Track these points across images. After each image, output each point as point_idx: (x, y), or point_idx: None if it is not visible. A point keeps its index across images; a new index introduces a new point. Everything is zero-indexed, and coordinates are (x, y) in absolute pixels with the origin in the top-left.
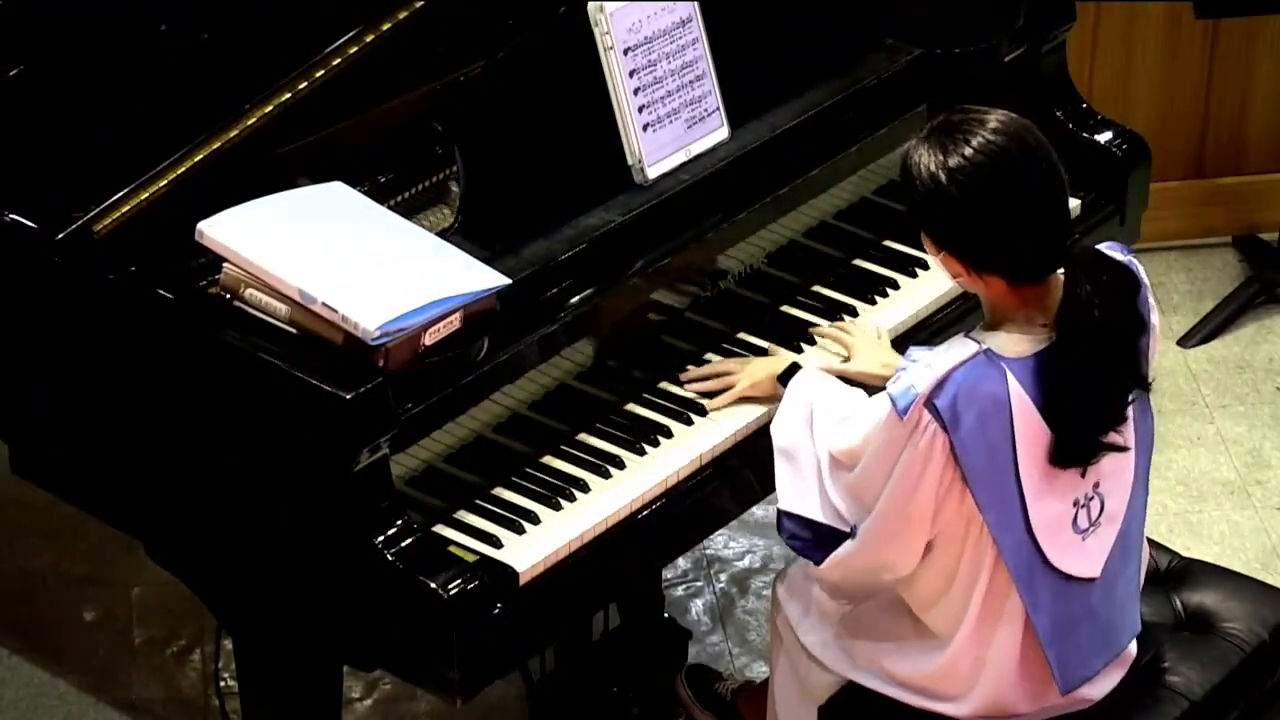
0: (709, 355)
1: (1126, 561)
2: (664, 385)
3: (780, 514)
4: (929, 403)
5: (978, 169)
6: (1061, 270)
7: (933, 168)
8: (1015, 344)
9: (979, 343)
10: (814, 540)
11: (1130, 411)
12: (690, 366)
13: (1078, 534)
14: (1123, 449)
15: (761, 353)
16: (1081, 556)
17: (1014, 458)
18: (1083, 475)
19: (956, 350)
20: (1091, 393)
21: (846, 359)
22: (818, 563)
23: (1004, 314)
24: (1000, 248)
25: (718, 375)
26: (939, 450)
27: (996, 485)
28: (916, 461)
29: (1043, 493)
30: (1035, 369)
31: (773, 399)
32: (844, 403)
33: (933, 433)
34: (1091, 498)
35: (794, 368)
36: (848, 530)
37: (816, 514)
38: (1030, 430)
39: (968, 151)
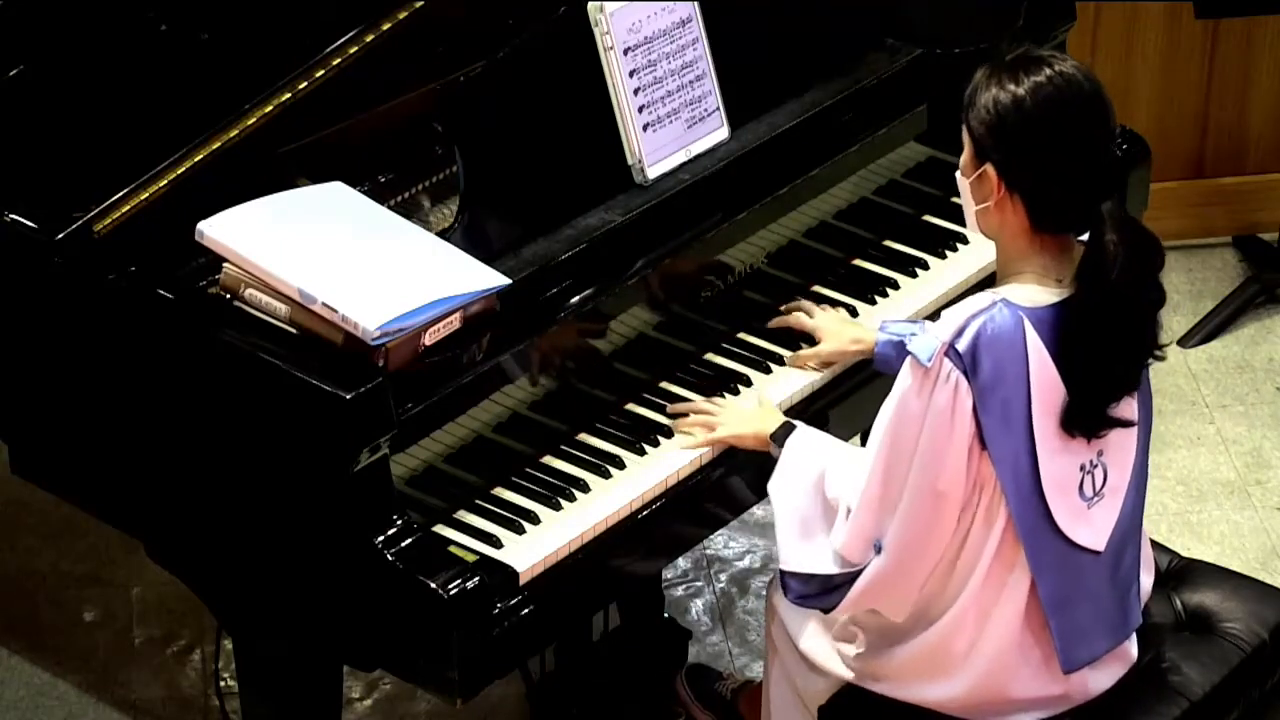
0: (709, 355)
1: (1127, 546)
2: (663, 385)
3: (784, 575)
4: (950, 350)
5: (1057, 90)
6: (1080, 237)
7: (1009, 82)
8: (1031, 294)
9: (994, 293)
10: (824, 590)
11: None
12: (692, 365)
13: (1083, 501)
14: (1130, 423)
15: (763, 354)
16: (1087, 526)
17: (1028, 408)
18: (1089, 440)
19: (972, 301)
20: (1108, 350)
21: (816, 343)
22: (834, 605)
23: (1017, 264)
24: (1048, 171)
25: (698, 413)
26: (963, 399)
27: (1011, 437)
28: (943, 421)
29: (1054, 449)
30: (1052, 320)
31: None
32: (858, 457)
33: (955, 381)
34: (1095, 465)
35: (788, 426)
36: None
37: (829, 568)
38: (1045, 380)
39: (1048, 73)
